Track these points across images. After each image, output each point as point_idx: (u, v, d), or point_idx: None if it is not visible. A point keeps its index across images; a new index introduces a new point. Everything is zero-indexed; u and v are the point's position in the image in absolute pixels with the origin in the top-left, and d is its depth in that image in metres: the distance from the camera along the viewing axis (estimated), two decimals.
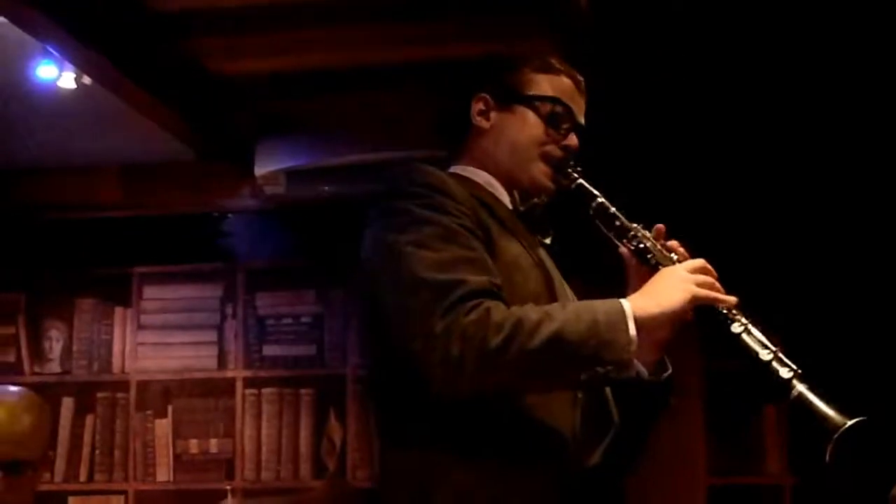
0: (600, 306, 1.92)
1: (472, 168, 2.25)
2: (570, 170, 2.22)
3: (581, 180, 2.21)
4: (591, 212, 2.18)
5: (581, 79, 2.31)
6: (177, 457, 5.34)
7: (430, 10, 3.91)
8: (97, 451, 5.38)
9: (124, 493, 5.33)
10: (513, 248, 2.09)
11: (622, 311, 1.91)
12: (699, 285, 1.97)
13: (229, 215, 5.42)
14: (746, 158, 4.68)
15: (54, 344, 5.50)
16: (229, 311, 5.41)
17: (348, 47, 4.19)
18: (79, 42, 3.72)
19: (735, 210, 4.75)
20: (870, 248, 4.66)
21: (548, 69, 2.28)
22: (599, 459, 2.07)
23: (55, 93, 4.24)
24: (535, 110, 2.23)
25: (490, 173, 2.24)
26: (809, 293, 4.68)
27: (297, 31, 4.06)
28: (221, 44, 4.16)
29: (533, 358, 1.85)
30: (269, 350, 5.35)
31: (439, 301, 1.87)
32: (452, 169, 2.26)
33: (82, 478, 5.37)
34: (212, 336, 5.41)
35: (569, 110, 2.25)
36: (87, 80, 4.15)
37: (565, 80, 2.28)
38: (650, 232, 2.14)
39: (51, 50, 3.94)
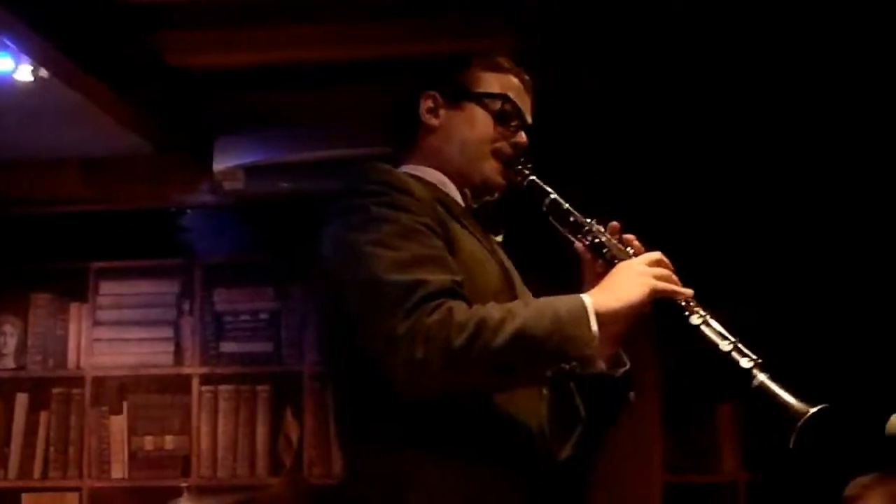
0: (561, 303, 1.93)
1: (422, 167, 2.26)
2: (521, 167, 2.25)
3: (533, 177, 2.24)
4: (545, 208, 2.20)
5: (528, 78, 2.34)
6: (132, 454, 5.31)
7: (392, 9, 3.91)
8: (52, 448, 5.34)
9: (79, 490, 5.30)
10: (472, 245, 2.10)
11: (583, 307, 1.92)
12: (657, 278, 1.99)
13: (187, 210, 5.40)
14: (726, 157, 4.69)
15: (9, 339, 5.45)
16: (186, 307, 5.39)
17: (308, 44, 4.18)
18: (35, 34, 3.69)
19: (718, 210, 4.77)
20: (846, 243, 4.69)
21: (496, 68, 2.30)
22: (571, 452, 2.10)
23: (11, 85, 4.20)
24: (485, 108, 2.25)
25: (441, 171, 2.25)
26: (778, 289, 4.70)
27: (258, 27, 4.05)
28: (181, 37, 4.14)
29: (497, 356, 1.86)
30: (226, 347, 5.34)
31: (401, 302, 1.87)
32: (403, 168, 2.25)
33: (36, 475, 5.32)
34: (168, 332, 5.39)
35: (517, 108, 2.27)
36: (44, 72, 4.11)
37: (513, 79, 2.30)
38: (605, 227, 2.16)
39: (6, 42, 3.91)
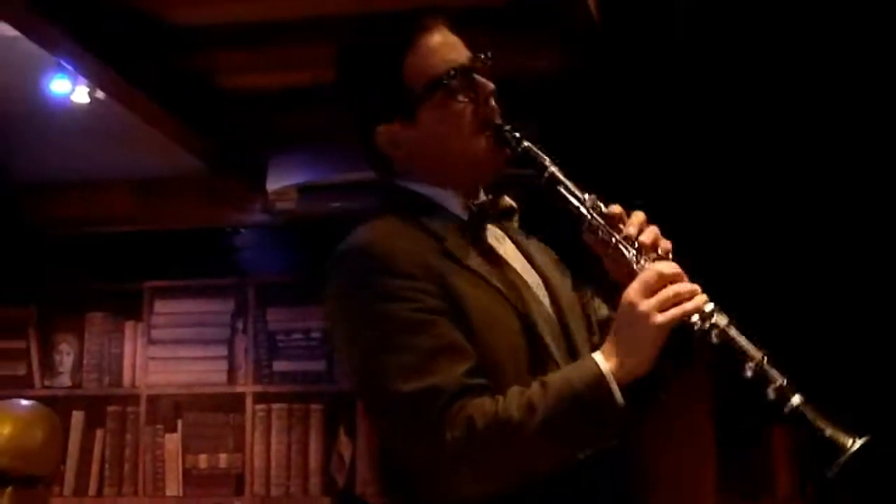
0: (578, 380, 1.78)
1: (415, 184, 2.04)
2: (508, 134, 2.00)
3: (527, 143, 1.99)
4: (542, 184, 1.96)
5: (439, 19, 2.04)
6: (186, 471, 5.34)
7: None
8: (107, 465, 5.38)
9: None
10: (478, 293, 1.90)
11: (601, 377, 1.77)
12: (662, 308, 1.80)
13: (241, 230, 5.42)
14: (750, 161, 4.67)
15: (65, 358, 5.50)
16: (240, 325, 5.42)
17: None
18: (92, 56, 3.73)
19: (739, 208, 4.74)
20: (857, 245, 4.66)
21: (406, 50, 2.00)
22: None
23: (68, 107, 4.25)
24: (435, 103, 1.98)
25: (436, 185, 2.03)
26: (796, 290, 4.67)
27: (310, 46, 4.06)
28: (234, 58, 4.17)
29: (526, 458, 1.78)
30: (279, 365, 5.36)
31: (418, 418, 1.78)
32: (400, 180, 2.06)
33: (92, 492, 5.37)
34: (222, 351, 5.41)
35: (458, 71, 1.99)
36: (100, 94, 4.16)
37: (429, 39, 2.01)
38: (601, 205, 1.94)
39: (64, 64, 3.96)
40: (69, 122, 4.45)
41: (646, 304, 1.80)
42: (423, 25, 2.02)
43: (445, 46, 2.02)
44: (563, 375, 1.82)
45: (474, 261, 1.94)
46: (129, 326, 5.49)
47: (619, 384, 1.77)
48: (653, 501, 2.21)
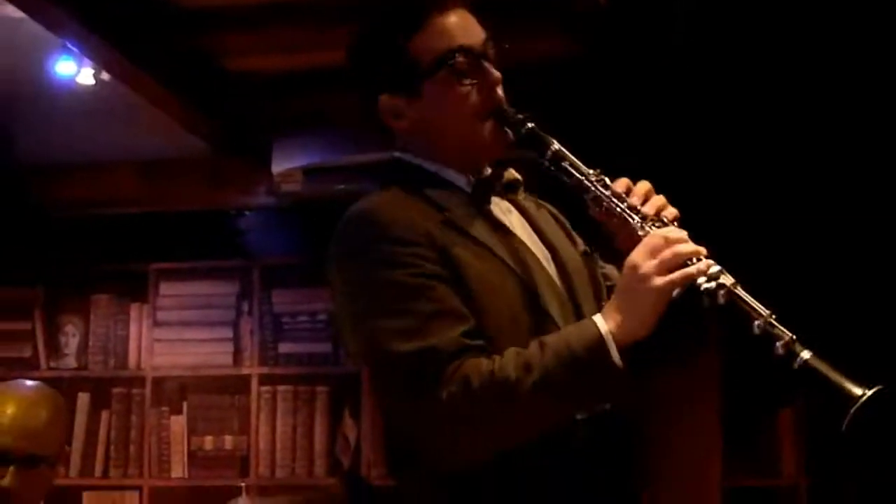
0: (577, 339, 1.79)
1: (419, 159, 2.06)
2: (512, 116, 2.00)
3: (531, 124, 1.98)
4: (546, 163, 1.96)
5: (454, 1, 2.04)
6: (192, 453, 5.35)
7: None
8: (112, 447, 5.39)
9: (139, 488, 5.34)
10: (478, 260, 1.91)
11: (600, 338, 1.77)
12: (666, 270, 1.79)
13: (246, 212, 5.43)
14: (758, 154, 4.66)
15: (70, 340, 5.51)
16: (245, 307, 5.42)
17: None
18: (97, 38, 3.73)
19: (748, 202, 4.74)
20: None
21: (419, 24, 2.01)
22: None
23: (74, 89, 4.25)
24: (441, 79, 1.99)
25: (438, 161, 2.04)
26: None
27: (315, 28, 4.06)
28: (240, 40, 4.17)
29: (523, 418, 1.80)
30: (285, 347, 5.36)
31: (415, 378, 1.80)
32: (400, 153, 2.10)
33: (97, 473, 5.38)
34: (227, 333, 5.42)
35: (465, 49, 2.00)
36: (105, 76, 4.16)
37: (440, 20, 2.02)
38: (607, 181, 1.93)
39: (69, 46, 3.95)
40: (74, 104, 4.45)
41: (647, 266, 1.80)
42: (441, 4, 2.03)
43: (459, 28, 2.02)
44: (562, 336, 1.83)
45: (478, 231, 1.96)
46: (134, 308, 5.49)
47: (617, 346, 1.77)
48: (656, 494, 2.22)
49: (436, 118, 2.02)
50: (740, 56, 4.26)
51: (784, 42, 4.14)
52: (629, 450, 2.02)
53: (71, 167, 5.27)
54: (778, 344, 1.72)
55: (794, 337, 1.72)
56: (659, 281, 1.78)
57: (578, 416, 1.85)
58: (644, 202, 1.91)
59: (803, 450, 4.84)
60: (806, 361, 1.69)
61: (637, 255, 1.82)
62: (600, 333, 1.78)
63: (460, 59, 1.99)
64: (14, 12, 3.57)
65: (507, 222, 2.05)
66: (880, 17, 3.92)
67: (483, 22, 2.08)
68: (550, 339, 1.83)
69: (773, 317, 1.74)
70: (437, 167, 2.04)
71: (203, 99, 4.48)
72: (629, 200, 1.91)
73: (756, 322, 1.73)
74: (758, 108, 4.50)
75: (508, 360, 1.79)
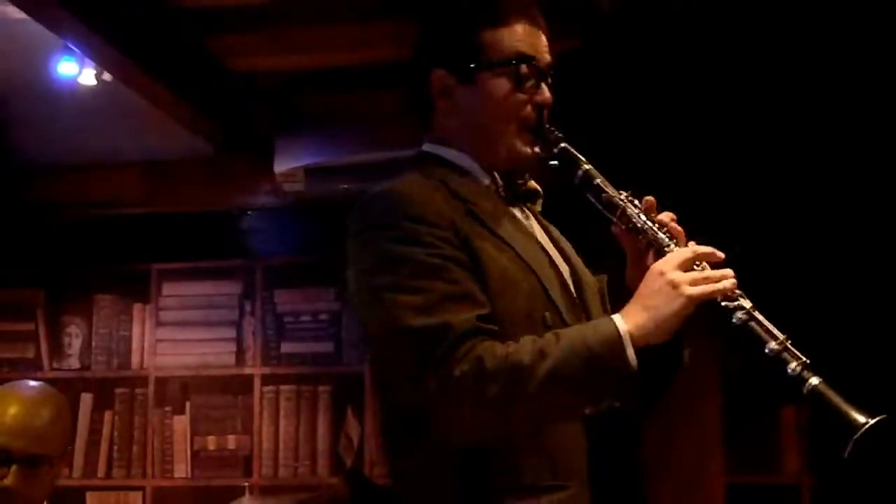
0: (593, 335, 1.81)
1: (446, 149, 2.10)
2: (549, 133, 2.06)
3: (564, 144, 2.04)
4: (577, 181, 2.01)
5: (536, 12, 2.11)
6: (195, 453, 5.35)
7: None
8: (115, 447, 5.39)
9: (142, 489, 5.35)
10: (499, 253, 1.94)
11: (617, 335, 1.80)
12: (693, 283, 1.83)
13: (248, 212, 5.43)
14: (761, 149, 4.66)
15: (73, 340, 5.51)
16: (248, 307, 5.42)
17: (368, 44, 4.19)
18: (99, 38, 3.73)
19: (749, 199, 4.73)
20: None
21: (499, 21, 2.06)
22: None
23: (76, 89, 4.25)
24: (499, 76, 2.04)
25: (466, 154, 2.08)
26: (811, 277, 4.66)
27: (318, 28, 4.07)
28: (242, 40, 4.17)
29: (532, 403, 1.79)
30: (287, 347, 5.36)
31: (428, 352, 1.80)
32: (427, 146, 2.14)
33: (100, 473, 5.38)
34: (230, 333, 5.42)
35: (531, 62, 2.05)
36: (107, 76, 4.16)
37: (522, 28, 2.07)
38: (640, 203, 1.98)
39: (71, 46, 3.96)
40: (76, 105, 4.46)
41: (677, 275, 1.84)
42: (526, 14, 2.08)
43: (533, 42, 2.07)
44: (579, 329, 1.86)
45: (501, 226, 1.99)
46: (137, 308, 5.49)
47: (633, 347, 1.80)
48: (657, 490, 2.22)
49: (480, 109, 2.06)
50: (743, 56, 4.27)
51: (784, 44, 4.14)
52: (633, 446, 2.04)
53: (73, 168, 5.27)
54: (790, 367, 1.77)
55: (807, 362, 1.77)
56: (688, 290, 1.82)
57: (587, 411, 1.86)
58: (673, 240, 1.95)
59: (805, 447, 4.84)
60: (815, 387, 1.75)
61: (666, 264, 1.86)
62: (619, 332, 1.81)
63: (525, 68, 2.04)
64: (16, 13, 3.57)
65: (527, 225, 2.09)
66: (882, 17, 3.92)
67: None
68: (568, 331, 1.86)
69: (788, 341, 1.79)
70: (463, 159, 2.07)
71: (205, 99, 4.48)
72: (658, 219, 1.96)
73: (770, 344, 1.78)
74: (758, 109, 4.50)
75: (524, 346, 1.81)
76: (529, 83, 2.05)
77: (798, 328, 1.87)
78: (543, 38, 2.11)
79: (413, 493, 1.96)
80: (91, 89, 4.24)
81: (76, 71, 4.16)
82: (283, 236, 5.36)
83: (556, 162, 2.05)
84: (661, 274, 1.85)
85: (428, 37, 2.16)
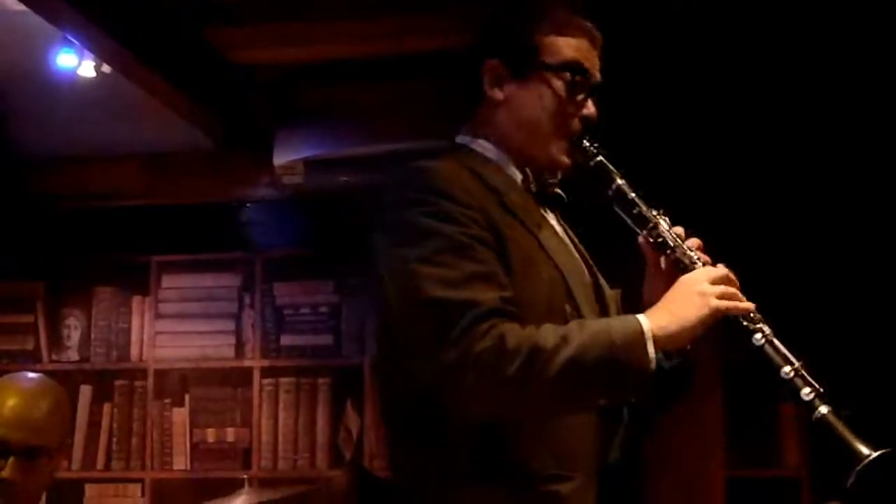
0: (618, 327, 1.85)
1: (482, 141, 2.13)
2: (589, 145, 2.11)
3: (601, 157, 2.10)
4: (610, 193, 2.08)
5: (598, 35, 2.16)
6: (194, 445, 5.35)
7: (452, 1, 3.91)
8: (114, 439, 5.39)
9: (141, 481, 5.35)
10: (526, 243, 1.99)
11: (640, 332, 1.83)
12: (720, 297, 1.89)
13: (248, 204, 5.42)
14: (764, 148, 4.65)
15: (72, 332, 5.51)
16: (247, 300, 5.42)
17: (367, 38, 4.19)
18: (98, 30, 3.73)
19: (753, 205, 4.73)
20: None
21: (564, 30, 2.12)
22: (618, 454, 2.01)
23: (75, 81, 4.25)
24: (553, 80, 2.09)
25: (502, 149, 2.12)
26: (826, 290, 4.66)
27: (317, 21, 4.06)
28: (241, 33, 4.17)
29: (549, 386, 1.81)
30: (287, 339, 5.36)
31: (451, 324, 1.81)
32: (461, 138, 2.16)
33: (99, 465, 5.38)
34: (230, 325, 5.42)
35: (586, 75, 2.11)
36: (106, 68, 4.16)
37: (581, 41, 2.13)
38: (668, 221, 2.05)
39: (70, 38, 3.95)
40: (76, 97, 4.45)
41: (707, 286, 1.90)
42: (589, 32, 2.15)
43: (591, 56, 2.14)
44: (603, 322, 1.92)
45: (527, 217, 2.03)
46: (136, 301, 5.49)
47: (654, 346, 1.83)
48: (658, 483, 2.26)
49: (527, 106, 2.10)
50: (740, 58, 4.26)
51: (785, 46, 4.13)
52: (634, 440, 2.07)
53: (72, 160, 5.26)
54: (802, 393, 1.83)
55: (820, 390, 1.84)
56: (714, 301, 1.88)
57: (600, 403, 1.89)
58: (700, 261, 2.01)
59: (806, 441, 4.84)
60: (823, 416, 1.81)
61: (697, 275, 1.94)
62: (642, 328, 1.84)
63: (580, 78, 2.10)
64: (15, 4, 3.57)
65: (553, 224, 2.14)
66: (882, 17, 3.92)
67: None
68: (591, 321, 1.91)
69: (803, 367, 1.86)
70: (498, 155, 2.11)
71: (204, 91, 4.48)
72: (688, 242, 2.03)
73: (785, 369, 1.85)
74: (759, 111, 4.49)
75: (547, 330, 1.84)
76: (580, 95, 2.11)
77: (797, 339, 1.94)
78: (598, 57, 2.16)
79: (414, 484, 1.97)
80: (90, 81, 4.23)
81: (75, 63, 4.16)
82: (282, 229, 5.36)
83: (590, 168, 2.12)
84: (691, 284, 1.92)
85: (489, 28, 2.20)
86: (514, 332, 1.81)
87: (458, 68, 2.20)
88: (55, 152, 5.22)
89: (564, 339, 1.81)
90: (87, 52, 4.09)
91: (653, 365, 1.82)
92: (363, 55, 4.35)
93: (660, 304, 1.91)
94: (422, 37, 4.15)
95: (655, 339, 1.83)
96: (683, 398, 2.11)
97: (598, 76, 2.14)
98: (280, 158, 4.86)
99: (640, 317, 1.87)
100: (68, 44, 4.06)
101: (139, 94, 4.29)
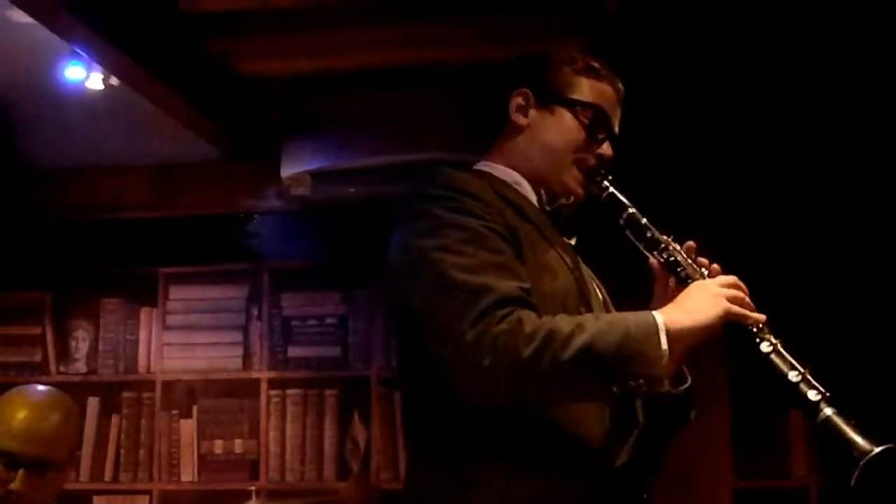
0: (632, 318, 1.91)
1: (499, 165, 2.23)
2: (601, 179, 2.21)
3: (613, 190, 2.21)
4: (622, 222, 2.17)
5: (622, 88, 2.29)
6: (201, 457, 5.35)
7: (458, 12, 3.91)
8: (122, 451, 5.39)
9: (149, 492, 5.35)
10: (542, 251, 2.07)
11: (654, 324, 1.89)
12: (731, 301, 1.96)
13: (255, 216, 5.42)
14: (772, 163, 4.65)
15: (80, 343, 5.52)
16: (255, 311, 5.42)
17: (374, 48, 4.19)
18: (106, 43, 3.73)
19: (762, 221, 4.72)
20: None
21: (591, 73, 2.25)
22: (626, 459, 2.05)
23: (83, 94, 4.26)
24: (575, 115, 2.22)
25: (519, 172, 2.22)
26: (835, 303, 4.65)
27: (324, 32, 4.07)
28: (248, 45, 4.18)
29: (564, 370, 1.84)
30: (294, 351, 5.36)
31: (469, 308, 1.86)
32: (479, 165, 2.25)
33: (107, 477, 5.38)
34: (237, 337, 5.42)
35: (607, 119, 2.23)
36: (114, 81, 4.16)
37: (607, 88, 2.26)
38: (681, 246, 2.13)
39: (78, 51, 3.96)
40: (84, 109, 4.46)
41: (720, 290, 1.98)
42: (616, 82, 2.28)
43: (615, 105, 2.27)
44: (618, 314, 2.00)
45: (546, 231, 2.13)
46: (144, 312, 5.49)
47: (667, 338, 1.89)
48: (665, 494, 2.28)
49: (549, 132, 2.22)
50: (749, 66, 4.27)
51: (786, 49, 4.14)
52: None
53: (81, 172, 5.28)
54: (808, 396, 1.89)
55: (826, 394, 1.89)
56: (726, 303, 1.95)
57: (614, 390, 1.91)
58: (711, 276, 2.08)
59: (814, 451, 4.83)
60: (828, 417, 1.86)
61: (709, 280, 2.03)
62: (656, 321, 1.90)
63: (600, 117, 2.22)
64: (23, 17, 3.57)
65: (567, 245, 2.23)
66: (882, 18, 3.92)
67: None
68: (606, 314, 2.03)
69: (808, 374, 1.92)
70: (516, 179, 2.21)
71: (212, 103, 4.49)
72: (699, 260, 2.11)
73: (792, 373, 1.91)
74: (762, 115, 4.50)
75: (563, 318, 1.90)
76: (600, 135, 2.22)
77: (801, 348, 1.98)
78: (619, 106, 2.28)
79: (430, 497, 2.00)
80: (99, 94, 4.25)
81: (84, 75, 4.17)
82: (289, 240, 5.36)
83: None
84: (704, 286, 2.00)
85: (524, 58, 2.33)
86: (531, 318, 1.87)
87: (485, 86, 2.33)
88: (63, 164, 5.23)
89: (580, 326, 1.87)
90: (95, 65, 4.10)
91: (666, 356, 1.87)
92: (371, 66, 4.36)
93: (674, 303, 1.99)
94: (431, 47, 4.16)
95: (668, 332, 1.89)
96: (683, 429, 2.17)
97: (616, 125, 2.26)
98: (287, 170, 4.86)
99: (655, 312, 1.94)
100: (76, 56, 4.07)
101: (147, 106, 4.30)
